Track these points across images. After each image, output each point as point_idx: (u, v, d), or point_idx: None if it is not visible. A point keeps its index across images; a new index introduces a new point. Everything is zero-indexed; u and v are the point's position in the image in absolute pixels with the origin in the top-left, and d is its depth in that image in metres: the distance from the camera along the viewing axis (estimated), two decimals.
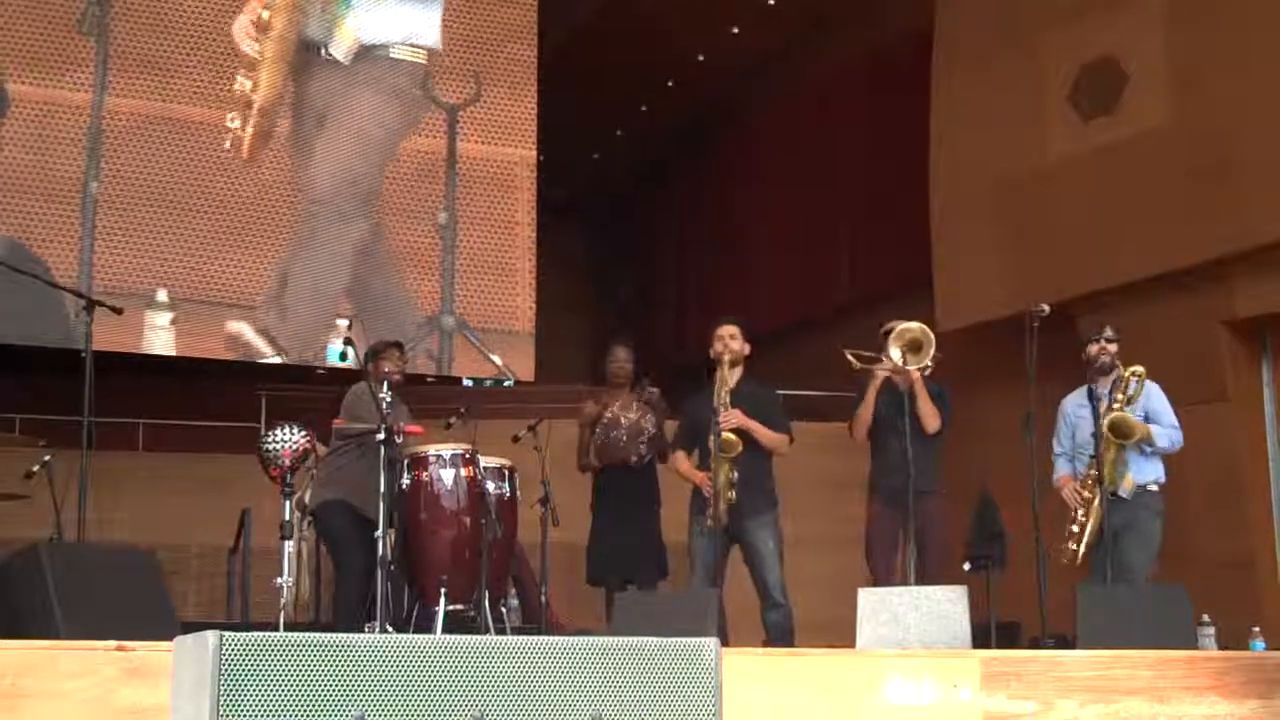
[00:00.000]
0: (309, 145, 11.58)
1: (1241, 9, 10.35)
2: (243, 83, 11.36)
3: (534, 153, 12.29)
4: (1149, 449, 8.09)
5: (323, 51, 11.66)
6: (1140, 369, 8.10)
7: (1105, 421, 7.90)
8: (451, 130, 12.00)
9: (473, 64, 12.20)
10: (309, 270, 11.31)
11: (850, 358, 8.50)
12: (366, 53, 11.81)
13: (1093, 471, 7.99)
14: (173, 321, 11.08)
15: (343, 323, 8.14)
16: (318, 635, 3.30)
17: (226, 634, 3.18)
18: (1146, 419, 8.12)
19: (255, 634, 3.21)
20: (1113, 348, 8.16)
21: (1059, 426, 8.43)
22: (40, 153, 10.88)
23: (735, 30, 16.19)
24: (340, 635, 3.34)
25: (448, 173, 11.93)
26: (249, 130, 11.34)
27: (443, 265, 11.81)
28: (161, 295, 11.08)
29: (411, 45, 11.94)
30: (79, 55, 11.08)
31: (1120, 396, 8.07)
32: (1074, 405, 8.34)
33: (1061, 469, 8.35)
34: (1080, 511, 8.05)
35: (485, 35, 12.29)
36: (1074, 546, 8.02)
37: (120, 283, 10.87)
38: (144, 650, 4.70)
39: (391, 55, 11.91)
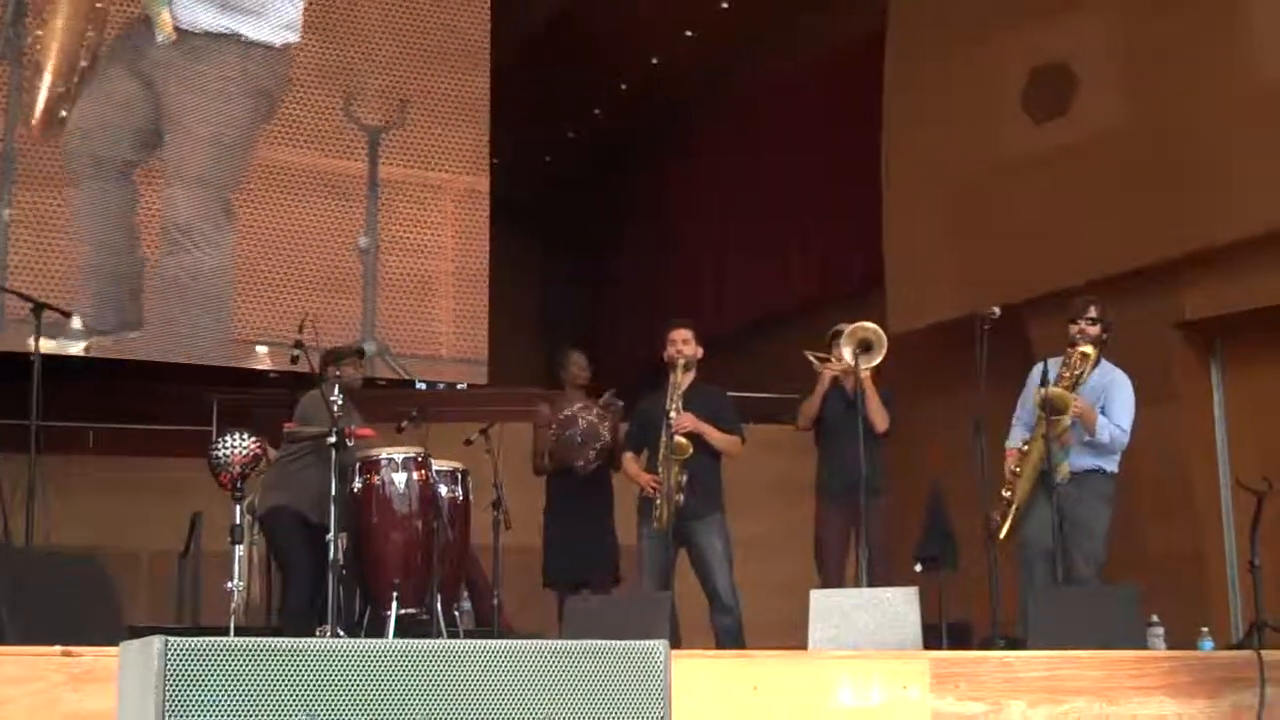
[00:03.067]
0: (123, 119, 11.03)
1: (1191, 11, 10.40)
2: (36, 35, 10.78)
3: (486, 178, 12.11)
4: (1088, 438, 8.08)
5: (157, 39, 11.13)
6: (1088, 350, 8.06)
7: (1038, 395, 7.90)
8: (373, 153, 11.77)
9: (417, 87, 11.98)
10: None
11: (812, 359, 8.53)
12: (191, 39, 11.23)
13: (1024, 447, 8.00)
14: (86, 349, 10.78)
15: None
16: (264, 640, 3.28)
17: (171, 639, 3.16)
18: (1100, 409, 8.10)
19: (200, 639, 3.19)
20: (1093, 330, 8.13)
21: (1025, 389, 8.40)
22: None
23: (689, 33, 16.18)
24: (287, 640, 3.32)
25: (369, 196, 11.69)
26: (40, 101, 10.77)
27: (364, 290, 11.57)
28: (76, 322, 10.64)
29: (247, 38, 11.41)
30: None
31: (1066, 375, 8.05)
32: (1040, 372, 8.28)
33: (1014, 437, 8.29)
34: (1006, 489, 8.04)
35: (429, 58, 12.06)
36: (1000, 519, 8.01)
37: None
38: (90, 656, 4.68)
39: (241, 40, 11.32)
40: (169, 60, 11.16)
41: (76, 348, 10.69)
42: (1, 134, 10.71)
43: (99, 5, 11.06)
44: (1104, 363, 8.24)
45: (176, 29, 11.14)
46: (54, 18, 10.91)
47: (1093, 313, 8.15)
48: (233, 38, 11.31)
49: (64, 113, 10.87)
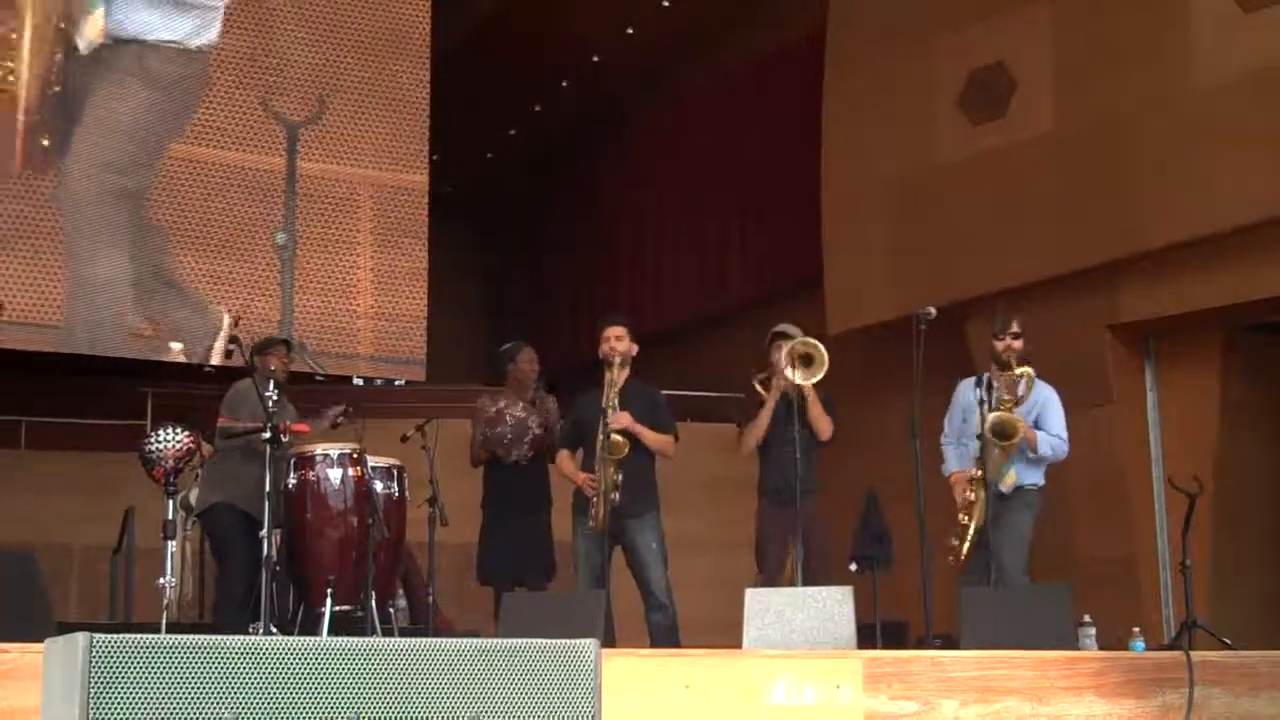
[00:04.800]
0: (63, 142, 10.80)
1: (1127, 16, 10.48)
2: (5, 66, 10.60)
3: (425, 177, 12.01)
4: (1031, 455, 8.14)
5: (80, 48, 10.90)
6: (1029, 370, 8.13)
7: (988, 423, 7.95)
8: (291, 148, 11.62)
9: (351, 80, 11.88)
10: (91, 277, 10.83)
11: (758, 388, 8.56)
12: (117, 46, 11.01)
13: (977, 471, 8.05)
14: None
15: (226, 319, 7.94)
16: (191, 637, 3.27)
17: (97, 635, 3.13)
18: (1036, 424, 8.17)
19: (126, 635, 3.16)
20: (1018, 344, 8.18)
21: (951, 411, 8.45)
22: None
23: (630, 31, 16.19)
24: (214, 637, 3.30)
25: (287, 192, 11.56)
26: (18, 137, 10.56)
27: (282, 286, 11.45)
28: None
29: (173, 45, 11.35)
30: None
31: (1008, 397, 8.11)
32: (968, 391, 8.35)
33: (950, 461, 8.37)
34: (963, 515, 8.10)
35: (366, 52, 11.95)
36: (956, 543, 8.07)
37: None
38: (16, 652, 4.63)
39: (149, 40, 11.06)
40: (89, 73, 10.96)
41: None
42: None
43: (61, 26, 10.92)
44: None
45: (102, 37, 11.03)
46: (20, 48, 10.74)
47: (1015, 327, 8.19)
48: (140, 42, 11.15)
49: (45, 140, 10.71)
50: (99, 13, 10.91)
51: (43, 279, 10.50)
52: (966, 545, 8.05)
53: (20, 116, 10.64)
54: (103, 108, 10.89)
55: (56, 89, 10.82)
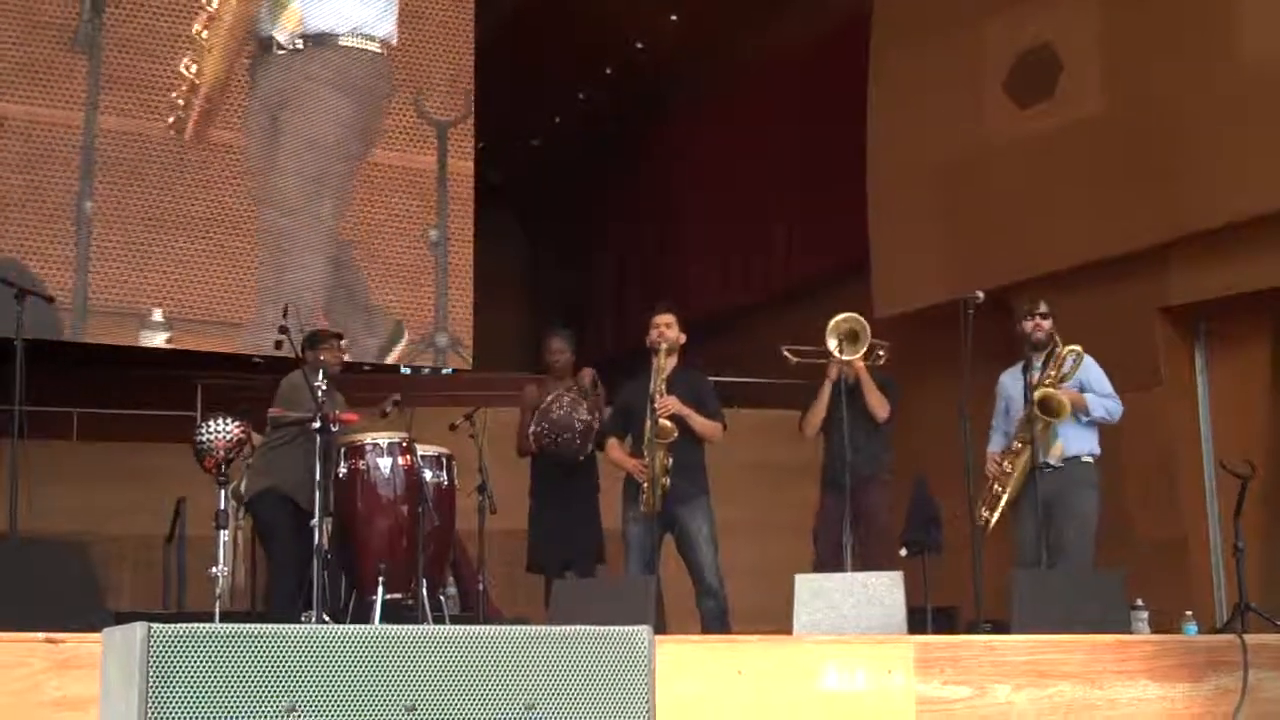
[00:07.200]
0: (269, 150, 11.39)
1: None
2: (188, 66, 11.15)
3: (470, 162, 12.14)
4: (1084, 418, 8.11)
5: (273, 44, 11.49)
6: (1077, 347, 8.11)
7: (1035, 397, 7.93)
8: (442, 147, 11.89)
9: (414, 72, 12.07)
10: (282, 283, 11.17)
11: (788, 355, 8.53)
12: (315, 42, 11.60)
13: (1015, 444, 8.03)
14: (168, 341, 10.98)
15: (286, 308, 8.11)
16: (247, 626, 3.28)
17: (154, 626, 3.14)
18: (1082, 390, 8.14)
19: (183, 626, 3.18)
20: (1047, 324, 8.17)
21: (997, 404, 8.47)
22: (34, 172, 10.71)
23: (674, 18, 16.18)
24: (270, 626, 3.31)
25: (439, 190, 11.85)
26: (193, 112, 11.14)
27: (437, 283, 11.73)
28: (157, 315, 10.91)
29: (362, 35, 11.73)
30: (70, 72, 10.91)
31: (1053, 373, 8.07)
32: (1010, 381, 8.36)
33: (993, 444, 8.38)
34: (996, 485, 8.08)
35: (424, 41, 12.15)
36: (986, 513, 8.04)
37: (116, 301, 10.80)
38: (74, 642, 4.67)
39: (341, 44, 11.70)
40: (284, 77, 11.54)
41: (159, 339, 10.84)
42: (81, 127, 10.84)
43: (251, 31, 11.50)
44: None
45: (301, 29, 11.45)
46: (213, 49, 11.33)
47: (1043, 307, 8.18)
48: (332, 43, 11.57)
49: (211, 127, 11.25)
50: (295, 5, 11.25)
51: (233, 278, 10.99)
52: (995, 516, 8.03)
53: (197, 101, 11.18)
54: (305, 117, 11.41)
55: (244, 85, 11.40)
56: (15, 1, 10.77)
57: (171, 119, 11.10)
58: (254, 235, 11.23)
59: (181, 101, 11.12)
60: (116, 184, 10.90)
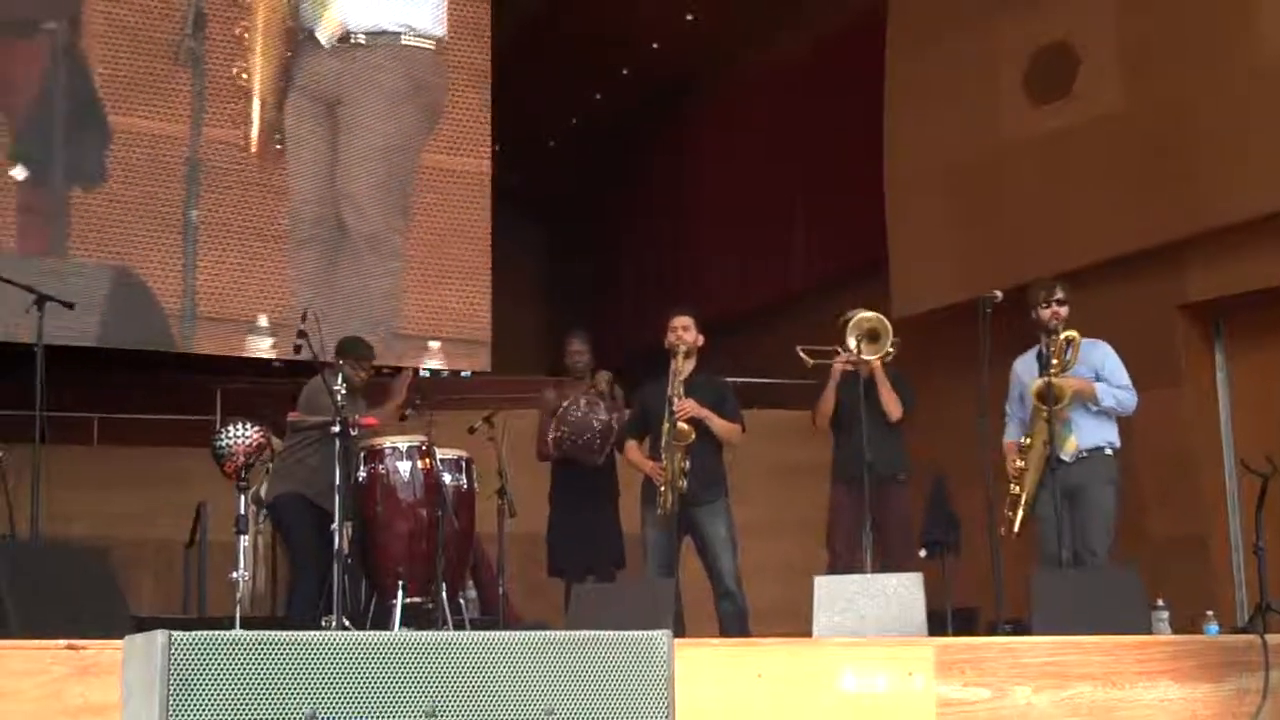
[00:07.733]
0: (330, 148, 11.54)
1: None
2: (240, 67, 11.32)
3: (488, 161, 12.18)
4: (1094, 408, 8.07)
5: (321, 41, 11.54)
6: (1073, 333, 8.02)
7: (1031, 389, 7.90)
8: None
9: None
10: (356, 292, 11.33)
11: (803, 355, 8.51)
12: (357, 39, 11.66)
13: (1025, 439, 8.00)
14: (273, 346, 11.10)
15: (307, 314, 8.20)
16: (268, 634, 3.29)
17: (175, 633, 3.16)
18: (1097, 379, 8.08)
19: (204, 633, 3.19)
20: (1064, 310, 8.10)
21: (1010, 391, 8.41)
22: (143, 183, 10.98)
23: (690, 17, 16.18)
24: (291, 633, 3.33)
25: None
26: (255, 125, 11.32)
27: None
28: (263, 320, 11.11)
29: (410, 31, 11.78)
30: (176, 86, 11.18)
31: (1055, 362, 8.02)
32: (1023, 368, 8.29)
33: (1009, 434, 8.33)
34: (1014, 484, 8.04)
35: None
36: (1010, 514, 8.01)
37: (223, 309, 11.06)
38: (95, 649, 4.68)
39: (401, 42, 11.79)
40: (339, 72, 11.66)
41: (265, 344, 11.06)
42: (187, 138, 11.07)
43: (289, 24, 11.57)
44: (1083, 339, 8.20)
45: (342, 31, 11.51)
46: (254, 46, 11.46)
47: (1060, 294, 8.09)
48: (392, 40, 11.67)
49: (278, 137, 11.44)
50: (334, 8, 11.34)
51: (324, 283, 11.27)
52: (1019, 518, 7.99)
53: (256, 107, 11.35)
54: (369, 123, 11.58)
55: (283, 83, 11.53)
56: (127, 19, 11.04)
57: (242, 139, 11.32)
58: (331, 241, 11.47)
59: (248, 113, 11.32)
60: (220, 193, 11.15)
